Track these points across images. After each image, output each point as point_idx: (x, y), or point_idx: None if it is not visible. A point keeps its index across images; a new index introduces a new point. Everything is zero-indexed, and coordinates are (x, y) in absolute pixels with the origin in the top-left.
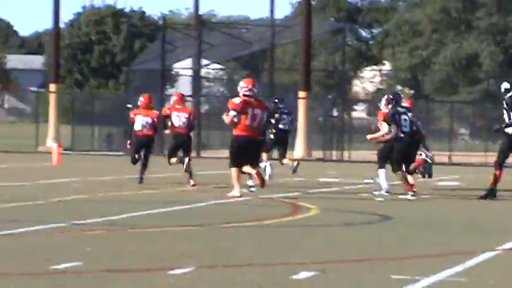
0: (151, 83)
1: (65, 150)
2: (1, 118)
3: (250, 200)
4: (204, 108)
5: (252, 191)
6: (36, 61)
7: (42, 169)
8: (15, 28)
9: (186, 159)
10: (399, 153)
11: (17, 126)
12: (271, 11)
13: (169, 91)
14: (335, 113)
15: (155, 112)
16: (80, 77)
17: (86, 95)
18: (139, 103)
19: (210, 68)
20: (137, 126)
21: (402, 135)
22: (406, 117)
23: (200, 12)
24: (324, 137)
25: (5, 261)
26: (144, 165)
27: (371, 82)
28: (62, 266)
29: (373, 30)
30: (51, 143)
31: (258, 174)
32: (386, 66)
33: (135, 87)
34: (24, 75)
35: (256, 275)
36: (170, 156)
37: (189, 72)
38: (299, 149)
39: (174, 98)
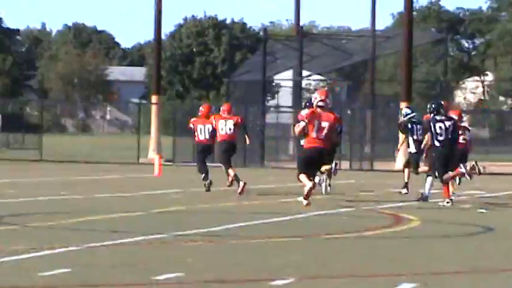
0: (252, 94)
1: (167, 161)
2: (103, 129)
3: (350, 212)
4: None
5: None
6: (137, 73)
7: (144, 180)
8: (117, 40)
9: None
10: (436, 161)
11: (118, 137)
12: (373, 22)
13: (270, 102)
14: None
15: (212, 121)
16: (181, 89)
17: (187, 106)
18: (199, 113)
19: (311, 79)
20: (200, 136)
21: (438, 143)
22: (442, 126)
23: (301, 24)
24: None
25: (107, 272)
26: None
27: (473, 93)
28: (163, 276)
29: (475, 41)
30: (152, 155)
31: (311, 188)
32: (489, 76)
33: (236, 99)
34: (126, 86)
35: (357, 286)
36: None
37: (290, 83)
38: (400, 160)
39: (223, 108)
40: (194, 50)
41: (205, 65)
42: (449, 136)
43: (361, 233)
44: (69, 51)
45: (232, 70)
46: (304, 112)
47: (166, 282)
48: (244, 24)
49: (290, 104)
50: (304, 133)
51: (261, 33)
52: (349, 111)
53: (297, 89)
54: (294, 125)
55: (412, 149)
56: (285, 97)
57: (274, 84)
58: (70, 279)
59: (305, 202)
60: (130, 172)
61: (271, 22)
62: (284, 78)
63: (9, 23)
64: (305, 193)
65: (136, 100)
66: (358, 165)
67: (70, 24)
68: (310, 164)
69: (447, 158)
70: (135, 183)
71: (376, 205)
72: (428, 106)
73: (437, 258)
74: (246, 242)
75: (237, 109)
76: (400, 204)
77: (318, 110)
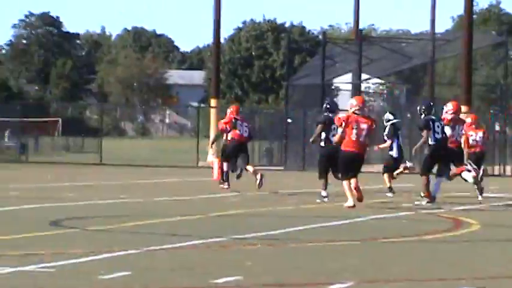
0: (311, 97)
1: None
2: (162, 133)
3: (409, 216)
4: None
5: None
6: (196, 76)
7: (203, 184)
8: (176, 44)
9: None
10: (427, 159)
11: (177, 140)
12: (432, 25)
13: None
14: (497, 128)
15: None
16: (240, 92)
17: (246, 109)
18: (229, 113)
19: (370, 83)
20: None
21: (434, 142)
22: (439, 125)
23: (360, 27)
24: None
25: (166, 275)
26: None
27: None
28: (222, 280)
29: None
30: (211, 158)
31: (356, 188)
32: None
33: (294, 102)
34: (185, 90)
35: None
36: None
37: (349, 86)
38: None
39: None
40: (253, 53)
41: (264, 69)
42: (444, 135)
43: (421, 236)
44: (129, 55)
45: (291, 74)
46: (342, 115)
47: (225, 286)
48: (303, 27)
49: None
50: (343, 138)
51: (320, 36)
52: (408, 115)
53: (356, 92)
54: (317, 125)
55: (394, 153)
56: (344, 100)
57: (333, 87)
58: (129, 282)
59: (351, 203)
60: (189, 176)
61: (330, 26)
62: (343, 82)
63: (69, 27)
64: (349, 199)
65: (195, 104)
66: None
67: (129, 28)
68: (351, 166)
69: (441, 156)
70: (194, 186)
71: (436, 209)
72: (418, 108)
73: (497, 262)
74: (304, 246)
75: (296, 112)
76: (460, 208)
77: (354, 115)
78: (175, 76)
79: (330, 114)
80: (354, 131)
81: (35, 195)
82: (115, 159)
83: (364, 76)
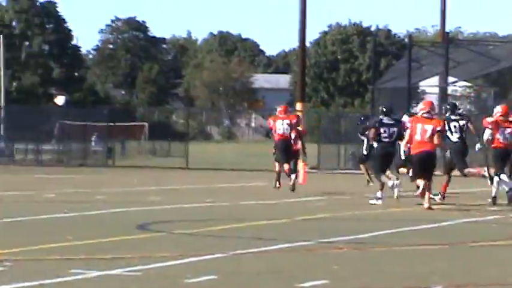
0: (397, 101)
1: (311, 169)
2: (248, 137)
3: (500, 219)
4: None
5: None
6: (282, 80)
7: (289, 188)
8: (262, 48)
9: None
10: (449, 157)
11: (263, 144)
12: None
13: (415, 109)
14: None
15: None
16: (326, 96)
17: (332, 113)
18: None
19: (457, 86)
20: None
21: (453, 140)
22: (456, 124)
23: (447, 30)
24: None
25: (252, 279)
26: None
27: None
28: (308, 284)
29: None
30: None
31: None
32: None
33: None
34: (270, 94)
35: None
36: None
37: (436, 90)
38: None
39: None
40: (339, 57)
41: (350, 72)
42: (463, 134)
43: (510, 241)
44: (215, 59)
45: (377, 77)
46: (408, 119)
47: None
48: (389, 31)
49: (436, 111)
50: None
51: (406, 39)
52: None
53: (443, 96)
54: (369, 129)
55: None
56: None
57: (419, 91)
58: (215, 286)
59: (426, 205)
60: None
61: (416, 29)
62: (429, 85)
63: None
64: (420, 194)
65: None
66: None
67: (215, 32)
68: (424, 166)
69: (461, 153)
70: (279, 190)
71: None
72: (443, 107)
73: None
74: (391, 249)
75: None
76: None
77: (420, 118)
78: (261, 80)
79: (383, 118)
80: (419, 132)
81: (122, 199)
82: (201, 163)
83: (450, 79)
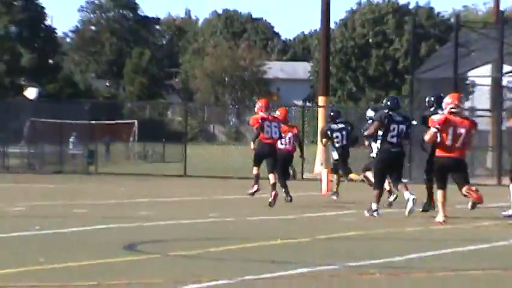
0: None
1: None
2: None
3: None
4: (505, 125)
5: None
6: (301, 69)
7: (309, 199)
8: (276, 30)
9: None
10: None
11: None
12: None
13: (465, 104)
14: None
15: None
16: (354, 88)
17: (361, 109)
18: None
19: None
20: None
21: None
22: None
23: (502, 8)
24: None
25: None
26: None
27: None
28: None
29: None
30: (319, 168)
31: (470, 190)
32: None
33: (421, 100)
34: (286, 85)
35: None
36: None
37: (488, 81)
38: None
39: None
40: (370, 41)
41: (383, 60)
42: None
43: None
44: (219, 44)
45: (416, 65)
46: (437, 117)
47: None
48: (431, 9)
49: (488, 107)
50: (436, 141)
51: (452, 20)
52: None
53: (497, 88)
54: (373, 122)
55: (335, 155)
56: (481, 98)
57: (467, 82)
58: None
59: (442, 219)
60: (292, 189)
61: (464, 6)
62: (480, 75)
63: (147, 11)
64: (439, 214)
65: (299, 102)
66: None
67: (220, 11)
68: (445, 174)
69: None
70: (299, 203)
71: None
72: (427, 99)
73: None
74: (432, 275)
75: (423, 112)
76: None
77: (451, 116)
78: (275, 69)
79: (391, 112)
80: (450, 137)
81: (105, 213)
82: (202, 169)
83: (506, 68)
